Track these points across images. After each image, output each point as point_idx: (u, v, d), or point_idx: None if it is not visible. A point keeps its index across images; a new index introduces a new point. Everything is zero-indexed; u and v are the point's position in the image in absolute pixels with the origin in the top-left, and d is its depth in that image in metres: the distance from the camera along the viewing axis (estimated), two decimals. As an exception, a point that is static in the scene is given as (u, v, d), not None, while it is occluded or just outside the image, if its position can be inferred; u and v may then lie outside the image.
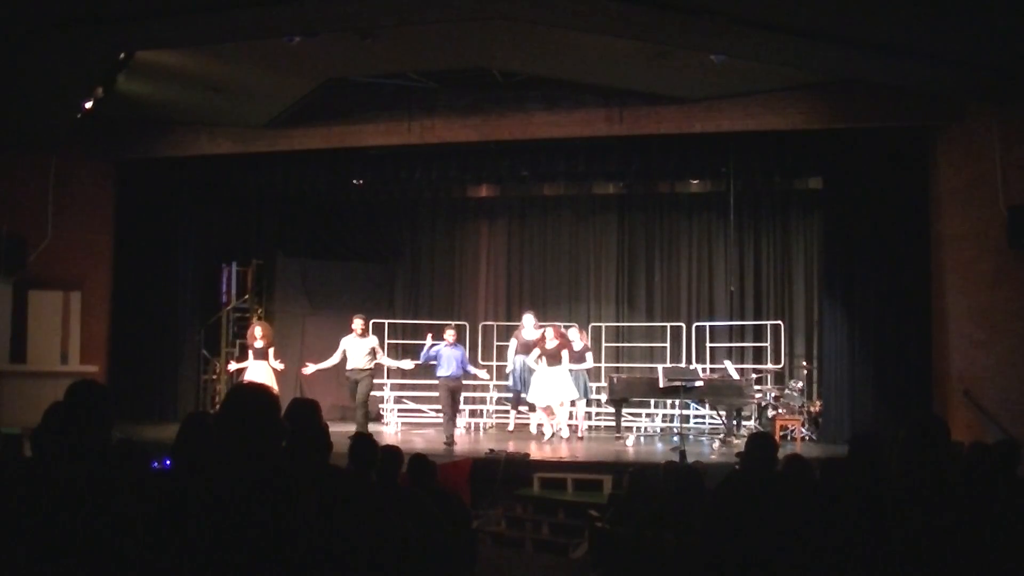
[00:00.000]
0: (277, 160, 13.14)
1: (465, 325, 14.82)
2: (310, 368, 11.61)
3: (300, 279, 14.78)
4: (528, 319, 12.71)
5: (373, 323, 14.14)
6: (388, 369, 13.56)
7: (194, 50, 9.81)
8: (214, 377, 13.97)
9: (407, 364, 12.54)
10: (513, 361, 12.68)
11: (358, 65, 10.65)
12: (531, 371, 12.17)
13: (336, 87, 11.35)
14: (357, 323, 11.66)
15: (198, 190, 13.83)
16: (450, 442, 11.36)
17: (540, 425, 12.20)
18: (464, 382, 12.32)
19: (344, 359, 11.60)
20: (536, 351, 12.01)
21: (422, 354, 12.19)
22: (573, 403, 12.29)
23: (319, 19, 8.66)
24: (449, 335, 11.97)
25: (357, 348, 11.53)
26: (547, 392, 11.90)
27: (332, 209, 15.85)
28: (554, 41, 9.57)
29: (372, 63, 10.51)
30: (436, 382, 12.11)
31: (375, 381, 12.97)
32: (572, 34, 9.23)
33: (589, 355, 12.69)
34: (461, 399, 12.46)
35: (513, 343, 12.80)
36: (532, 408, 12.43)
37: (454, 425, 11.79)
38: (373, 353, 11.61)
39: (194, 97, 11.36)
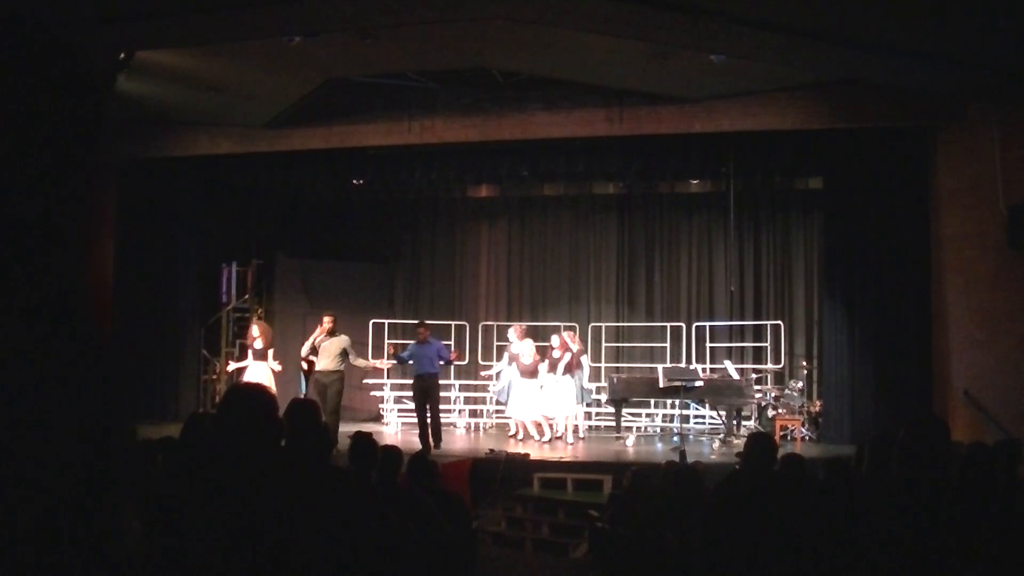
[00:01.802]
0: (277, 160, 13.13)
1: (465, 325, 14.84)
2: (277, 366, 11.26)
3: (300, 279, 14.78)
4: (512, 333, 12.66)
5: (373, 323, 14.17)
6: (387, 370, 13.54)
7: (194, 50, 9.81)
8: (214, 377, 13.97)
9: (383, 363, 12.06)
10: (503, 373, 12.56)
11: (358, 65, 10.65)
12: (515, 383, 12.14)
13: (336, 87, 11.34)
14: (325, 320, 11.04)
15: (198, 190, 13.83)
16: (425, 444, 10.71)
17: (538, 426, 12.16)
18: (442, 381, 11.96)
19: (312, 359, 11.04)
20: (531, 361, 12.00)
21: (400, 361, 11.99)
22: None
23: (319, 19, 8.67)
24: (419, 333, 11.52)
25: (325, 348, 10.92)
26: (546, 403, 11.88)
27: (332, 209, 15.86)
28: (554, 41, 9.57)
29: (372, 63, 10.51)
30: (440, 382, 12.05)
31: (374, 382, 12.96)
32: (572, 34, 9.23)
33: (584, 359, 12.67)
34: (439, 397, 11.52)
35: (506, 357, 12.75)
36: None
37: (427, 426, 11.08)
38: (344, 355, 10.94)
39: (194, 97, 11.37)
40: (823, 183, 12.72)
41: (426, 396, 11.16)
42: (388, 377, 13.99)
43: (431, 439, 10.99)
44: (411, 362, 11.56)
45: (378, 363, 12.00)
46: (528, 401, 11.92)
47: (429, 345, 11.36)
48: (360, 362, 11.44)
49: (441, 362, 11.50)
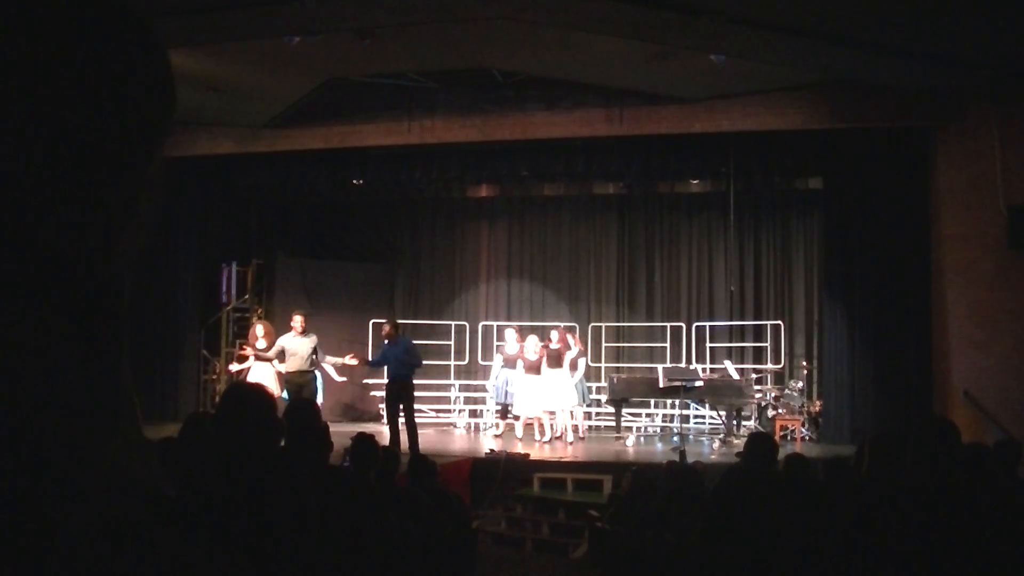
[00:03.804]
0: (277, 160, 13.13)
1: (465, 325, 14.83)
2: (280, 366, 10.86)
3: (300, 279, 14.77)
4: (510, 334, 12.64)
5: (373, 323, 14.16)
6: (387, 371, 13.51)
7: (194, 50, 9.81)
8: (214, 377, 13.96)
9: (351, 360, 11.31)
10: (497, 375, 12.55)
11: (358, 65, 10.65)
12: (512, 383, 12.11)
13: (336, 87, 11.34)
14: (296, 320, 10.74)
15: (198, 190, 13.83)
16: (397, 447, 9.50)
17: (540, 425, 12.14)
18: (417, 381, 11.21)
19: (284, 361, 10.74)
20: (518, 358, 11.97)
21: (375, 365, 11.68)
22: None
23: (319, 19, 8.66)
24: (386, 331, 10.94)
25: (296, 348, 10.63)
26: (547, 398, 11.87)
27: (332, 209, 15.86)
28: (554, 41, 9.57)
29: (372, 63, 10.51)
30: (434, 381, 12.04)
31: (374, 382, 12.85)
32: (572, 34, 9.23)
33: (582, 360, 12.63)
34: (412, 399, 10.62)
35: (498, 359, 12.71)
36: (516, 417, 12.34)
37: (399, 431, 10.35)
38: (315, 353, 10.70)
39: (194, 97, 11.36)
40: (823, 183, 12.72)
41: (399, 400, 10.45)
42: (387, 377, 13.96)
43: (408, 444, 10.17)
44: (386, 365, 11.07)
45: (347, 359, 11.24)
46: (534, 396, 11.90)
47: (397, 345, 10.61)
48: (330, 359, 11.00)
49: (409, 365, 10.56)
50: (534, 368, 11.94)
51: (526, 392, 11.96)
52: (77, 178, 0.74)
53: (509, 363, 12.33)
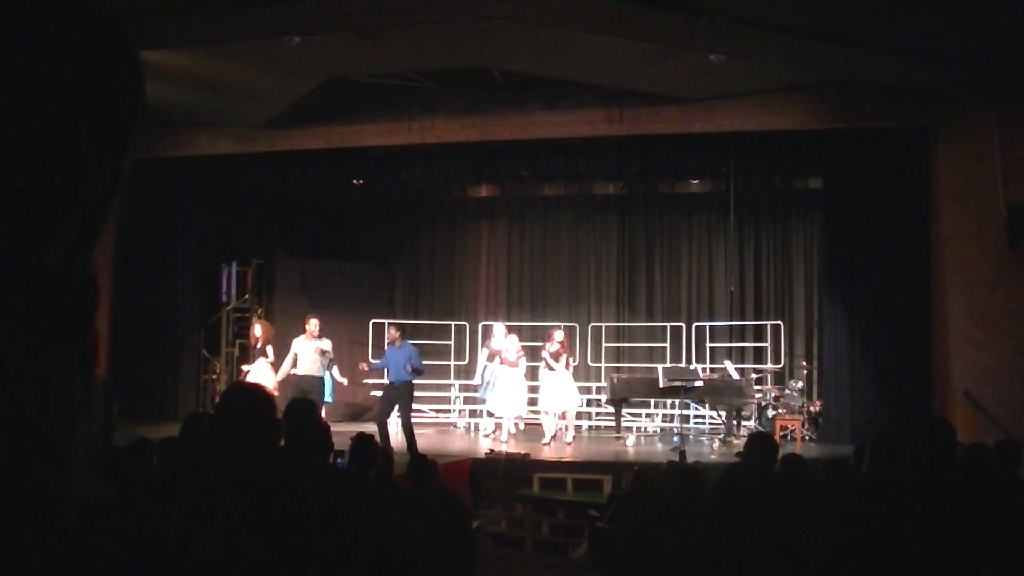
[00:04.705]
0: (277, 160, 13.13)
1: (465, 325, 14.82)
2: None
3: (300, 279, 14.77)
4: (499, 328, 12.57)
5: (373, 323, 14.16)
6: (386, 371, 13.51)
7: (194, 50, 9.81)
8: (214, 377, 13.97)
9: (346, 381, 11.48)
10: (484, 371, 12.51)
11: (358, 65, 10.65)
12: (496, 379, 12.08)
13: (336, 87, 11.34)
14: (313, 323, 10.86)
15: (198, 190, 13.83)
16: (384, 442, 9.37)
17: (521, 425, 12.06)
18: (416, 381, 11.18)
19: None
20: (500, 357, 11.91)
21: (377, 366, 11.71)
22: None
23: (319, 19, 8.67)
24: (391, 335, 11.09)
25: (306, 351, 10.75)
26: (556, 398, 11.83)
27: (332, 209, 15.86)
28: (554, 41, 9.58)
29: (372, 63, 10.52)
30: (434, 381, 11.99)
31: (374, 383, 12.85)
32: (572, 34, 9.23)
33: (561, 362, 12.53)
34: (409, 405, 10.77)
35: (484, 353, 12.67)
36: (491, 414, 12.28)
37: (388, 437, 10.26)
38: (323, 356, 10.82)
39: (194, 97, 11.36)
40: (823, 183, 12.72)
41: (396, 403, 10.51)
42: (386, 377, 13.97)
43: (407, 445, 10.16)
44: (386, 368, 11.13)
45: (344, 381, 11.45)
46: (510, 397, 11.79)
47: (401, 350, 10.75)
48: (334, 372, 11.13)
49: (412, 371, 10.66)
50: (511, 368, 11.85)
51: (502, 391, 11.80)
52: (45, 178, 0.73)
53: (493, 358, 12.28)
